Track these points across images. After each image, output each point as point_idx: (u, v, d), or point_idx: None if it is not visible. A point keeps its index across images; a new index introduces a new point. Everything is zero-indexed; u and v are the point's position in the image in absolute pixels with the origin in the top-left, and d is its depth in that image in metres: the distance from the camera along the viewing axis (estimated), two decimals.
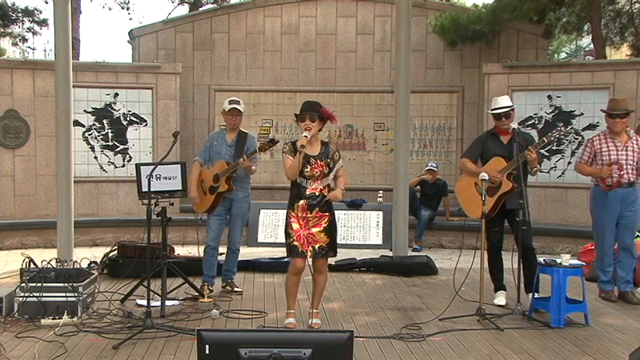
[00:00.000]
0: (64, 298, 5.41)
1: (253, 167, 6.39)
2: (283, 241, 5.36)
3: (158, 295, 5.74)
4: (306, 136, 5.13)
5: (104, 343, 4.88)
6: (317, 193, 5.22)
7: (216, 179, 6.40)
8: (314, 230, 5.22)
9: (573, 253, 8.21)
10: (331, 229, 5.28)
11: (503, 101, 6.18)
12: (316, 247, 5.22)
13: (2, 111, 10.33)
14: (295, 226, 5.23)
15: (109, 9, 19.98)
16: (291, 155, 5.22)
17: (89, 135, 10.78)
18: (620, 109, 6.31)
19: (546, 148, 5.88)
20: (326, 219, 5.25)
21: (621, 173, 6.21)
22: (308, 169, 5.20)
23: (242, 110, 6.58)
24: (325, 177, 5.25)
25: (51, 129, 9.51)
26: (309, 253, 5.22)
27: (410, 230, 8.80)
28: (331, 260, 7.70)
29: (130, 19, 39.36)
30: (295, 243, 5.21)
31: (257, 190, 9.75)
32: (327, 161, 5.27)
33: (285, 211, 5.36)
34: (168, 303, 5.83)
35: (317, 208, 5.22)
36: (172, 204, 6.26)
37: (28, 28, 17.89)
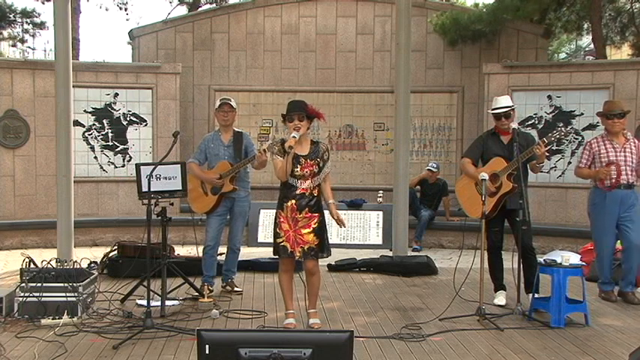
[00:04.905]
0: (64, 298, 5.40)
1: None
2: None
3: (158, 295, 5.74)
4: (294, 137, 5.11)
5: (104, 343, 4.88)
6: (307, 193, 5.21)
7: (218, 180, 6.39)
8: (303, 231, 5.20)
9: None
10: (321, 230, 5.25)
11: (504, 101, 6.17)
12: (305, 247, 5.20)
13: (2, 111, 10.34)
14: (285, 226, 5.23)
15: (106, 9, 19.88)
16: (280, 156, 5.20)
17: (89, 135, 10.79)
18: (617, 109, 6.31)
19: (546, 149, 5.86)
20: (315, 220, 5.22)
21: (620, 173, 6.20)
22: (298, 169, 5.19)
23: (234, 106, 6.55)
24: (315, 176, 5.24)
25: (51, 129, 9.50)
26: (297, 254, 5.21)
27: (410, 230, 8.80)
28: (331, 260, 7.73)
29: (128, 19, 39.08)
30: (285, 243, 5.22)
31: (257, 190, 9.76)
32: (317, 161, 5.24)
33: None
34: (168, 303, 5.83)
35: (306, 209, 5.20)
36: (172, 204, 6.24)
37: (25, 30, 17.90)
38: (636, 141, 6.39)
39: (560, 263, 5.58)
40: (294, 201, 5.20)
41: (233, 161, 6.39)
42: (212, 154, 6.50)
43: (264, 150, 5.42)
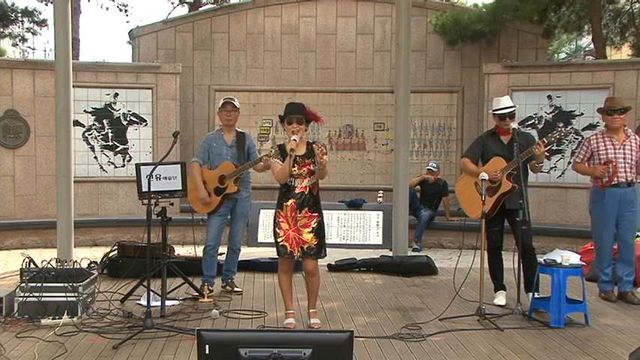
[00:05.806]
0: (64, 298, 5.41)
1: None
2: None
3: (158, 295, 5.74)
4: (295, 140, 5.13)
5: (104, 343, 4.88)
6: (306, 192, 5.23)
7: (222, 180, 6.38)
8: (303, 231, 5.22)
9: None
10: (320, 230, 5.27)
11: (506, 101, 6.17)
12: (305, 247, 5.21)
13: (2, 111, 10.34)
14: (284, 226, 5.25)
15: (107, 8, 19.68)
16: (278, 159, 5.24)
17: (89, 135, 10.79)
18: (618, 105, 6.32)
19: (545, 149, 5.86)
20: (315, 220, 5.24)
21: (615, 172, 6.19)
22: (296, 169, 5.21)
23: (237, 106, 6.54)
24: (312, 175, 5.26)
25: (51, 129, 9.50)
26: (297, 254, 5.22)
27: (410, 230, 8.80)
28: (331, 260, 7.75)
29: (127, 22, 39.04)
30: (284, 243, 5.24)
31: (257, 190, 9.74)
32: (313, 159, 5.25)
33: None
34: (168, 303, 5.83)
35: (306, 208, 5.23)
36: (172, 204, 6.25)
37: (27, 29, 17.88)
38: (637, 137, 6.39)
39: (560, 263, 5.58)
40: (293, 200, 5.21)
41: (236, 162, 6.39)
42: (214, 153, 6.49)
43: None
